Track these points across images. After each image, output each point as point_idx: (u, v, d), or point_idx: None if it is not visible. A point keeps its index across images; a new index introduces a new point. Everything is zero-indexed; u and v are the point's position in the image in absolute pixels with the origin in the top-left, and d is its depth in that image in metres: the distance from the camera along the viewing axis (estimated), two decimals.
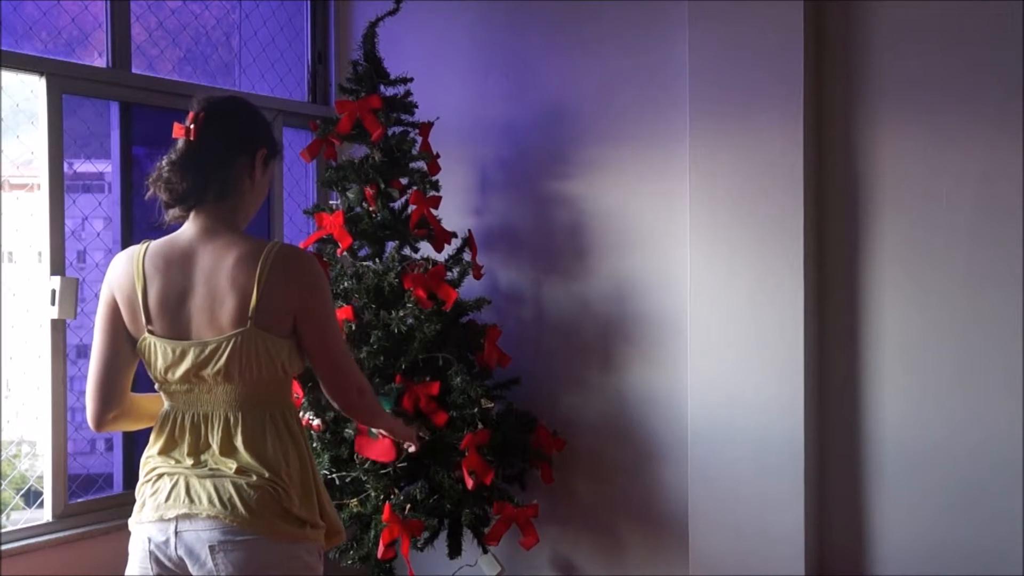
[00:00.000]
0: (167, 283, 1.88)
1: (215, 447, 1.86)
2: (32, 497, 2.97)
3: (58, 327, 2.93)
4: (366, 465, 2.93)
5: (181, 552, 1.83)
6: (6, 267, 2.94)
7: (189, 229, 1.92)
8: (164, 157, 1.91)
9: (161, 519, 1.84)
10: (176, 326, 1.87)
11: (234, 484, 1.81)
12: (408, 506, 2.91)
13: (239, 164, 1.93)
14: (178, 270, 1.88)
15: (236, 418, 1.86)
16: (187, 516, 1.82)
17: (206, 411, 1.88)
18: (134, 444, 3.18)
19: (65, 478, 2.96)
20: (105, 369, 1.93)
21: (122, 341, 1.93)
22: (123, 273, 1.92)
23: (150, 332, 1.88)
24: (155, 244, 1.93)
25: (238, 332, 1.83)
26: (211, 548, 1.80)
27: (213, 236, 1.89)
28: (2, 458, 2.95)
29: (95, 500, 3.07)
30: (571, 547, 3.42)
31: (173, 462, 1.88)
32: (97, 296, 3.14)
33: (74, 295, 2.91)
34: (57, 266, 2.92)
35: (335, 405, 2.01)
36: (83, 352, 3.13)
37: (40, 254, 2.93)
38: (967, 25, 2.73)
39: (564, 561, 3.43)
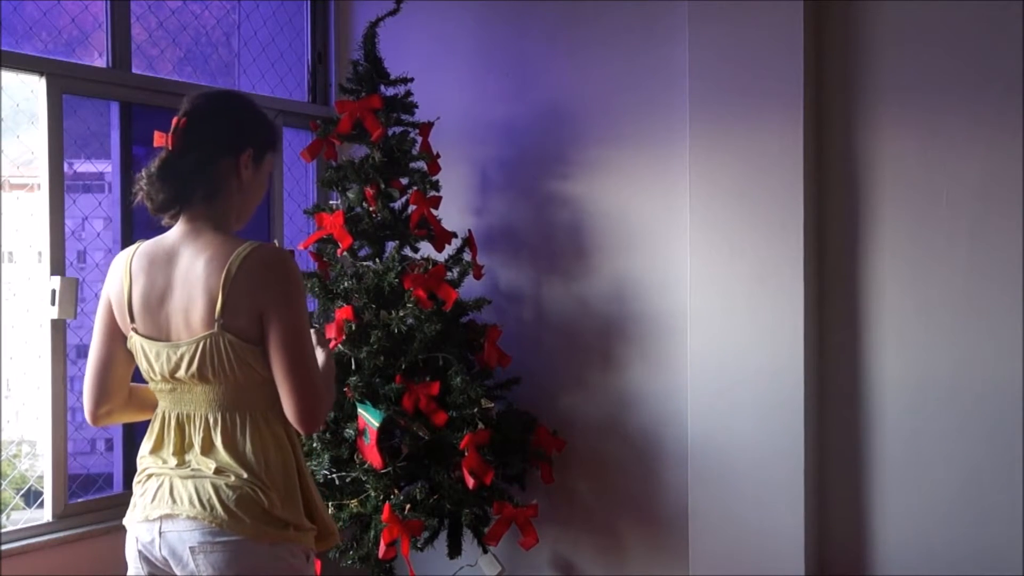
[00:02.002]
0: (150, 283, 1.88)
1: (197, 447, 1.86)
2: (32, 497, 2.97)
3: (58, 327, 2.93)
4: (366, 465, 2.93)
5: (165, 552, 1.83)
6: (6, 267, 2.94)
7: (176, 229, 1.92)
8: (145, 167, 1.90)
9: (147, 519, 1.86)
10: (156, 326, 1.88)
11: (213, 485, 1.81)
12: (408, 506, 2.91)
13: (223, 167, 1.90)
14: (160, 270, 1.88)
15: (216, 419, 1.86)
16: (169, 516, 1.83)
17: (189, 411, 1.88)
18: (134, 444, 3.18)
19: (65, 478, 2.96)
20: (99, 366, 1.95)
21: (116, 339, 1.94)
22: (116, 272, 1.94)
23: (134, 331, 1.90)
24: (145, 244, 1.93)
25: (207, 335, 1.82)
26: (191, 549, 1.80)
27: (196, 237, 1.88)
28: (2, 458, 2.95)
29: (95, 500, 3.07)
30: (571, 547, 3.42)
31: (160, 462, 1.89)
32: (97, 296, 3.15)
33: (74, 295, 2.91)
34: (57, 266, 2.92)
35: (293, 422, 1.86)
36: (83, 352, 3.13)
37: (40, 254, 2.93)
38: (967, 25, 2.73)
39: (564, 561, 3.43)
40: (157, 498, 1.85)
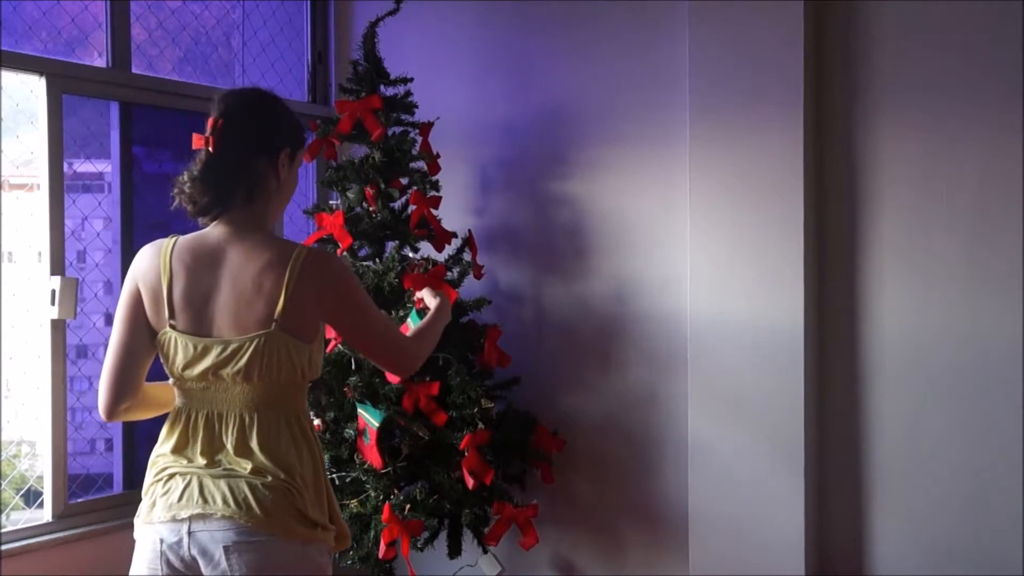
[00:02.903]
0: (193, 280, 1.88)
1: (229, 447, 1.85)
2: (32, 497, 2.97)
3: (58, 327, 2.92)
4: (366, 465, 2.93)
5: (194, 552, 1.82)
6: (6, 267, 2.94)
7: (219, 228, 1.92)
8: (186, 169, 1.90)
9: (174, 519, 1.83)
10: (199, 323, 1.87)
11: (249, 484, 1.81)
12: (408, 506, 2.91)
13: (262, 167, 1.92)
14: (206, 268, 1.88)
15: (251, 419, 1.86)
16: (201, 516, 1.81)
17: (221, 410, 1.87)
18: (134, 444, 3.19)
19: (65, 478, 2.96)
20: (122, 360, 1.92)
21: (142, 333, 1.92)
22: (149, 266, 1.91)
23: (172, 327, 1.88)
24: (184, 240, 1.92)
25: (261, 334, 1.83)
26: (225, 548, 1.79)
27: (242, 238, 1.89)
28: (2, 458, 2.95)
29: (95, 500, 3.07)
30: (571, 547, 3.42)
31: (185, 461, 1.87)
32: (96, 296, 3.16)
33: (74, 295, 2.91)
34: (57, 266, 2.92)
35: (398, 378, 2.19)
36: (83, 352, 3.13)
37: (40, 254, 2.93)
38: (967, 25, 2.73)
39: (564, 561, 3.43)
40: (185, 497, 1.83)
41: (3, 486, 2.94)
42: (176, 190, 1.91)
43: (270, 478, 1.82)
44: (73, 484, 3.03)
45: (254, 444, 1.85)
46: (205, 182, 1.87)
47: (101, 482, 3.15)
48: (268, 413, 1.87)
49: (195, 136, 1.89)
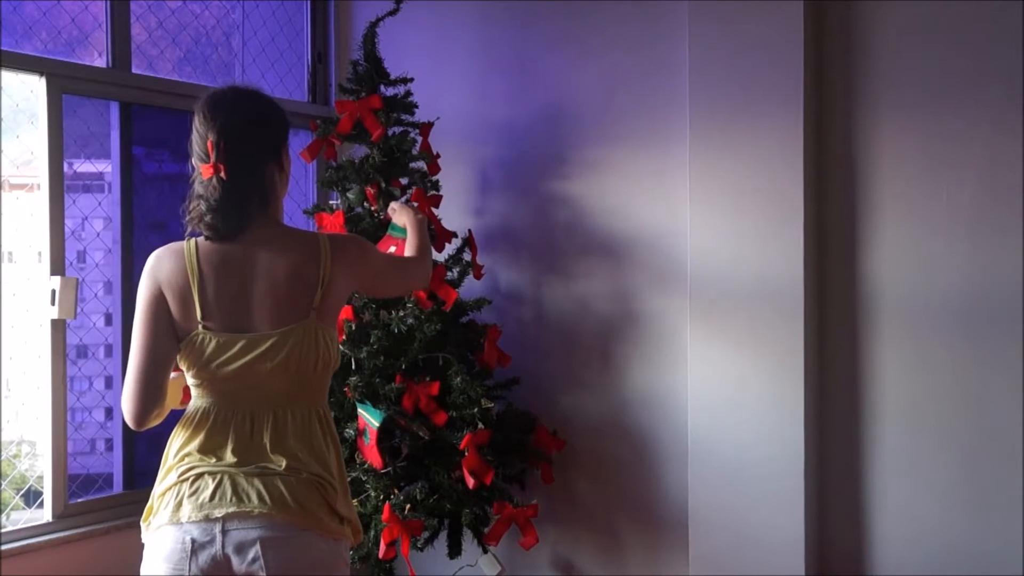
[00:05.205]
0: (225, 279, 1.89)
1: (265, 444, 1.86)
2: (32, 497, 2.97)
3: (58, 327, 2.93)
4: (366, 465, 2.93)
5: (229, 550, 1.80)
6: (6, 267, 2.94)
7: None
8: (201, 198, 1.89)
9: (206, 519, 1.81)
10: (235, 321, 1.88)
11: (284, 481, 1.82)
12: (408, 506, 2.91)
13: (270, 170, 1.96)
14: (236, 267, 1.89)
15: (285, 415, 1.88)
16: (236, 515, 1.80)
17: (251, 408, 1.88)
18: (134, 444, 3.19)
19: (65, 478, 2.96)
20: (150, 367, 1.89)
21: (167, 337, 1.89)
22: (174, 268, 1.90)
23: (206, 328, 1.88)
24: (205, 240, 1.92)
25: (299, 324, 1.87)
26: (261, 544, 1.79)
27: (265, 235, 1.93)
28: (2, 458, 2.95)
29: (95, 500, 3.07)
30: (571, 547, 3.42)
31: (214, 460, 1.86)
32: (96, 296, 3.15)
33: (74, 295, 2.91)
34: (57, 266, 2.92)
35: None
36: (83, 352, 3.14)
37: (40, 254, 2.93)
38: (967, 25, 2.73)
39: (564, 561, 3.43)
40: (218, 496, 1.82)
41: (3, 486, 2.94)
42: (193, 218, 1.91)
43: (305, 474, 1.84)
44: (73, 484, 3.03)
45: (291, 441, 1.86)
46: (226, 209, 1.88)
47: (101, 482, 3.15)
48: (300, 409, 1.89)
49: (204, 167, 1.88)
